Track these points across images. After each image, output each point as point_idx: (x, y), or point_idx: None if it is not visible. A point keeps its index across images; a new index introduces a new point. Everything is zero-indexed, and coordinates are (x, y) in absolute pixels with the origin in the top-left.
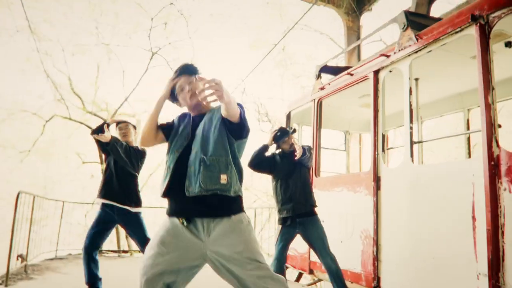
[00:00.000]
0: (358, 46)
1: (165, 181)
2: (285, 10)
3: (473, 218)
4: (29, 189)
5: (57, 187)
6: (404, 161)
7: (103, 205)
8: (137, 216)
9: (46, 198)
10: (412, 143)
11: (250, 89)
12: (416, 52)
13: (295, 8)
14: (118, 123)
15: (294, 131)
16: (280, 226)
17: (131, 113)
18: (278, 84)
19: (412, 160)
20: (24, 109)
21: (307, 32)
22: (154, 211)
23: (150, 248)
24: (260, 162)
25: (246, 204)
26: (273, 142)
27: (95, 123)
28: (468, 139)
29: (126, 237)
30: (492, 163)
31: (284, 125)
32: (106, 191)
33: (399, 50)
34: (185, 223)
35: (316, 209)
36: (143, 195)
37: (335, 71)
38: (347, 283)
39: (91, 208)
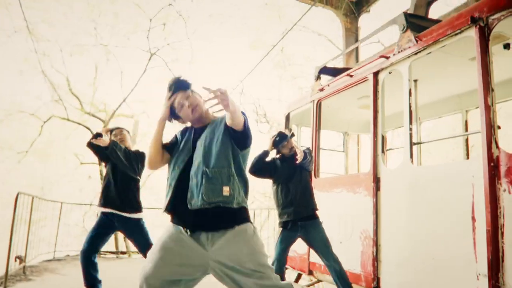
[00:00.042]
0: (356, 47)
1: (167, 197)
2: (283, 11)
3: (473, 219)
4: (27, 190)
5: (55, 188)
6: (404, 162)
7: (103, 213)
8: (137, 222)
9: (45, 199)
10: (411, 144)
11: (248, 90)
12: (416, 53)
13: (293, 9)
14: (111, 131)
15: (293, 135)
16: (281, 229)
17: (129, 114)
18: (276, 85)
19: (412, 161)
20: (22, 109)
21: (305, 34)
22: (153, 212)
23: (152, 253)
24: (260, 168)
25: None
26: (273, 148)
27: (93, 123)
28: (466, 140)
29: (124, 238)
30: (492, 164)
31: (283, 126)
32: (105, 199)
33: (399, 52)
34: (189, 233)
35: (317, 212)
36: (142, 196)
37: (334, 72)
38: None
39: (89, 209)
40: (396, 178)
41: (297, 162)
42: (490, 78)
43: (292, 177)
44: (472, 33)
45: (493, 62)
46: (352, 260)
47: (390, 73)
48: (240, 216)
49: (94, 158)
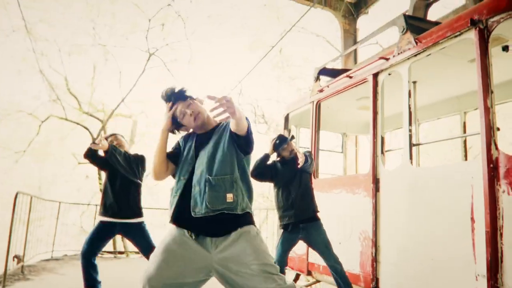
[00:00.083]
0: (355, 49)
1: (172, 206)
2: (282, 13)
3: (472, 220)
4: (24, 190)
5: (52, 188)
6: (403, 163)
7: (102, 221)
8: (139, 225)
9: (43, 199)
10: (411, 145)
11: (247, 91)
12: (415, 55)
13: (292, 10)
14: (106, 138)
15: (293, 137)
16: (282, 231)
17: (127, 114)
18: (274, 86)
19: (411, 162)
20: (19, 109)
21: (304, 35)
22: (153, 212)
23: (155, 255)
24: (262, 172)
25: None
26: (273, 151)
27: (91, 123)
28: (465, 141)
29: (122, 238)
30: (491, 165)
31: (282, 127)
32: (104, 207)
33: (398, 53)
34: (193, 237)
35: (318, 213)
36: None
37: (333, 73)
38: None
39: (86, 209)
40: (395, 179)
41: (299, 166)
42: (489, 80)
43: (293, 179)
44: (472, 35)
45: (492, 64)
46: (351, 261)
47: (389, 74)
48: (244, 219)
49: None
